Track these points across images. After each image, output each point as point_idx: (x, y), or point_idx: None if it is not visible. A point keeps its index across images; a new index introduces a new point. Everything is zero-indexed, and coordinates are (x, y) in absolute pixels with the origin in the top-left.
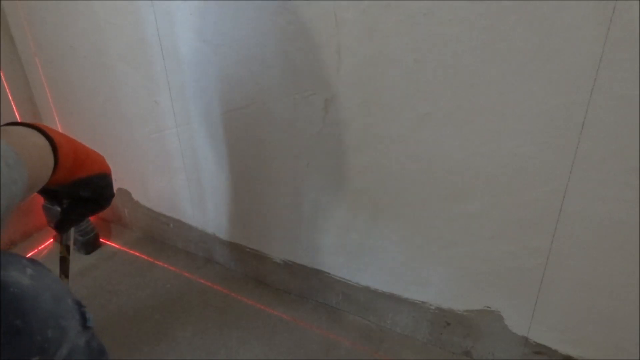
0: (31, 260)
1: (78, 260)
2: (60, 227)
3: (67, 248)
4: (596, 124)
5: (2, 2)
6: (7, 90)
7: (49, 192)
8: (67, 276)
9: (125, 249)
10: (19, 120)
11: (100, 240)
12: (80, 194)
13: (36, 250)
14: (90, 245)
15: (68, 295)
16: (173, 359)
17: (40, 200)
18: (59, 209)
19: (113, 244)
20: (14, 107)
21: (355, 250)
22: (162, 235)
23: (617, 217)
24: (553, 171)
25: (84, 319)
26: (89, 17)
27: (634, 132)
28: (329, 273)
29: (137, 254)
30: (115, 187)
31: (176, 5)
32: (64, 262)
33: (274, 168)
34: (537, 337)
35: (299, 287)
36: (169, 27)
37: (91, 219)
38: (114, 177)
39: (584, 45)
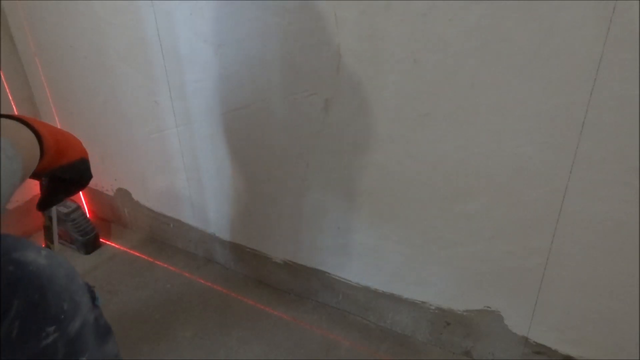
0: (41, 246)
1: (78, 260)
2: (42, 206)
3: (50, 219)
4: (596, 124)
5: (2, 2)
6: (7, 90)
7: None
8: (52, 242)
9: (125, 249)
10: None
11: (100, 240)
12: (60, 176)
13: None
14: (90, 245)
15: (77, 275)
16: (173, 359)
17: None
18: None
19: (113, 244)
20: (14, 107)
21: (355, 250)
22: (162, 235)
23: (617, 217)
24: (553, 171)
25: (93, 297)
26: (89, 17)
27: (634, 132)
28: (329, 273)
29: (137, 254)
30: (115, 187)
31: (176, 5)
32: (47, 230)
33: (274, 168)
34: (537, 337)
35: (299, 287)
36: (169, 27)
37: (91, 219)
38: (114, 177)
39: (584, 45)
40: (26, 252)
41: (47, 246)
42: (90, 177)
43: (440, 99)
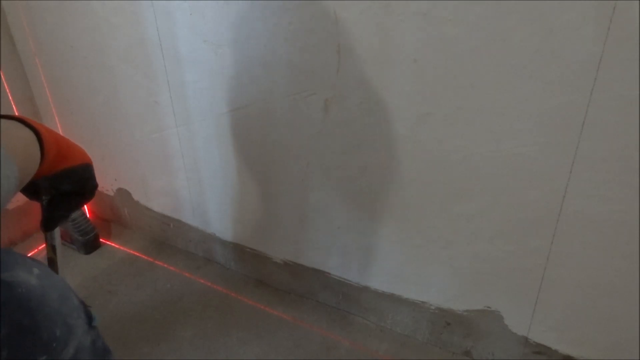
0: (36, 260)
1: (78, 260)
2: (47, 225)
3: (54, 248)
4: (596, 124)
5: (2, 2)
6: (7, 90)
7: (29, 189)
8: None
9: (125, 249)
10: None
11: (100, 240)
12: (62, 188)
13: (36, 250)
14: (90, 245)
15: (73, 294)
16: (173, 359)
17: None
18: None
19: (113, 244)
20: (14, 107)
21: (355, 251)
22: (162, 235)
23: (617, 217)
24: (553, 171)
25: (89, 318)
26: (89, 17)
27: (634, 132)
28: (329, 273)
29: (137, 254)
30: (115, 187)
31: (176, 5)
32: (52, 263)
33: (274, 168)
34: (537, 337)
35: (299, 287)
36: (169, 27)
37: (91, 219)
38: (114, 177)
39: (584, 45)
40: (16, 271)
41: None
42: (94, 186)
43: (440, 99)
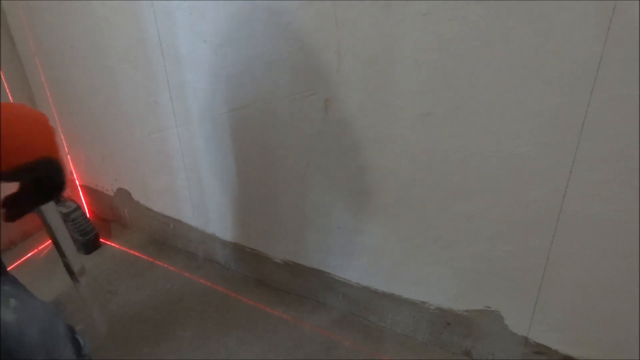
0: (15, 285)
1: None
2: (9, 217)
3: (50, 228)
4: (596, 124)
5: (2, 2)
6: (7, 91)
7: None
8: (77, 280)
9: (125, 249)
10: None
11: (100, 240)
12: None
13: (36, 250)
14: (90, 245)
15: (59, 322)
16: (173, 359)
17: None
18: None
19: (113, 244)
20: None
21: (355, 251)
22: (162, 235)
23: (617, 217)
24: (553, 171)
25: (78, 346)
26: (89, 17)
27: (634, 132)
28: (329, 273)
29: (137, 254)
30: (115, 187)
31: (176, 5)
32: (67, 267)
33: (274, 168)
34: (537, 337)
35: (299, 287)
36: (169, 27)
37: (91, 219)
38: (114, 177)
39: (584, 45)
40: None
41: (73, 282)
42: (61, 182)
43: (440, 99)
